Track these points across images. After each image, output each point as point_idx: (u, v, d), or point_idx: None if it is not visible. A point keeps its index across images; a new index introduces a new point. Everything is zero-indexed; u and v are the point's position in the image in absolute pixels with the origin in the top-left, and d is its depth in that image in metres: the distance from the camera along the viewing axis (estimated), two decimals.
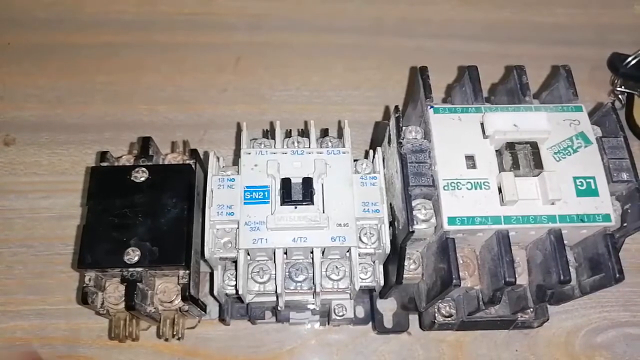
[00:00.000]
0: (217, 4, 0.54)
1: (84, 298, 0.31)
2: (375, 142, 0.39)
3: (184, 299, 0.32)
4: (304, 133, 0.36)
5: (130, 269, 0.31)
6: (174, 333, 0.34)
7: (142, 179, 0.32)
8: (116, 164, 0.35)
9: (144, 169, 0.33)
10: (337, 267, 0.32)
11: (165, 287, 0.33)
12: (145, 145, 0.35)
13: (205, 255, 0.31)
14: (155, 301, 0.33)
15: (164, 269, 0.32)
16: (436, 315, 0.35)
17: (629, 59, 0.48)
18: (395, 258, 0.32)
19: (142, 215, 0.31)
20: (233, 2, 0.54)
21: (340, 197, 0.32)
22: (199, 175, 0.35)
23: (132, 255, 0.30)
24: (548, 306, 0.37)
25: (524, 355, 0.40)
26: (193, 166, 0.34)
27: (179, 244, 0.31)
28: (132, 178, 0.32)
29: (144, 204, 0.32)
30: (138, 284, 0.31)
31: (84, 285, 0.31)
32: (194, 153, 0.35)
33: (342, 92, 0.49)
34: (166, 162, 0.35)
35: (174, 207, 0.32)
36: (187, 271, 0.32)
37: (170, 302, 0.32)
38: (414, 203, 0.30)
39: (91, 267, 0.31)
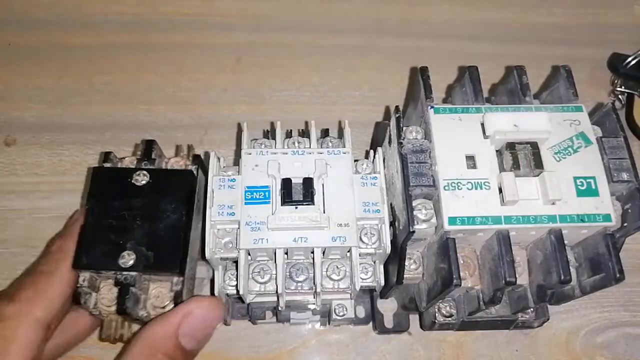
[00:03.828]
0: (217, 4, 0.54)
1: (76, 298, 0.31)
2: (376, 142, 0.39)
3: (176, 305, 0.32)
4: (305, 133, 0.36)
5: (125, 273, 0.31)
6: None
7: (143, 182, 0.32)
8: (119, 165, 0.34)
9: (145, 172, 0.32)
10: (337, 267, 0.32)
11: (159, 292, 0.32)
12: (148, 148, 0.35)
13: (206, 256, 0.31)
14: (148, 306, 0.32)
15: (158, 275, 0.32)
16: (437, 315, 0.35)
17: (629, 59, 0.48)
18: (395, 258, 0.32)
19: (141, 219, 0.31)
20: (233, 3, 0.54)
21: (341, 197, 0.32)
22: (201, 180, 0.35)
23: (127, 259, 0.30)
24: (548, 306, 0.37)
25: (525, 355, 0.40)
26: (195, 172, 0.34)
27: (175, 250, 0.31)
28: (132, 181, 0.32)
29: (143, 207, 0.32)
30: (131, 287, 0.31)
31: (78, 285, 0.31)
32: (196, 159, 0.35)
33: (343, 93, 0.49)
34: (169, 167, 0.35)
35: (173, 212, 0.32)
36: (181, 278, 0.31)
37: (163, 307, 0.32)
38: (414, 203, 0.30)
39: (86, 268, 0.31)
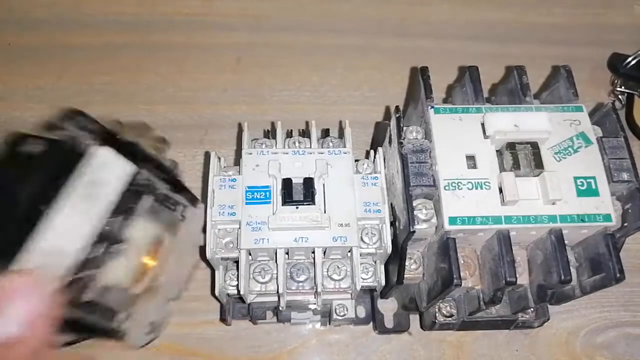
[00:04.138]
0: (217, 4, 0.54)
1: None
2: (376, 142, 0.39)
3: None
4: (305, 133, 0.36)
5: None
6: None
7: (30, 150, 0.26)
8: None
9: (34, 139, 0.26)
10: (338, 267, 0.33)
11: None
12: (63, 117, 0.28)
13: (207, 256, 0.31)
14: None
15: None
16: (437, 315, 0.35)
17: (629, 59, 0.48)
18: (396, 258, 0.32)
19: (6, 196, 0.25)
20: (233, 3, 0.54)
21: (342, 197, 0.32)
22: (109, 161, 0.27)
23: None
24: (548, 306, 0.37)
25: (525, 355, 0.40)
26: (70, 144, 0.27)
27: (13, 234, 0.24)
28: (22, 149, 0.26)
29: (14, 179, 0.25)
30: None
31: None
32: (104, 136, 0.27)
33: (343, 93, 0.49)
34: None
35: (33, 191, 0.25)
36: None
37: None
38: (414, 203, 0.31)
39: None
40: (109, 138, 0.27)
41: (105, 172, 0.26)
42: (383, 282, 0.34)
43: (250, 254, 0.32)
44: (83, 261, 0.25)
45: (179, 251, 0.30)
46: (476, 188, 0.30)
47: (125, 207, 0.27)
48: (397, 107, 0.33)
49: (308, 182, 0.32)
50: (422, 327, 0.40)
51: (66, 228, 0.25)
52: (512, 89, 0.34)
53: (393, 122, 0.33)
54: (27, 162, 0.26)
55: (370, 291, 0.39)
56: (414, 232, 0.30)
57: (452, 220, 0.29)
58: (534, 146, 0.30)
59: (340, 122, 0.44)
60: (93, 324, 0.27)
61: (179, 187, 0.30)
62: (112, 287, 0.27)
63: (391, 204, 0.33)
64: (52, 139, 0.27)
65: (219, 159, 0.34)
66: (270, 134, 0.36)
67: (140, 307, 0.29)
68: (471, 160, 0.31)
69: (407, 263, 0.33)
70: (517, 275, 0.29)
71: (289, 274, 0.32)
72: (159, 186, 0.29)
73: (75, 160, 0.26)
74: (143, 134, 0.30)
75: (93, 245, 0.25)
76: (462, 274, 0.30)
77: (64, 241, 0.25)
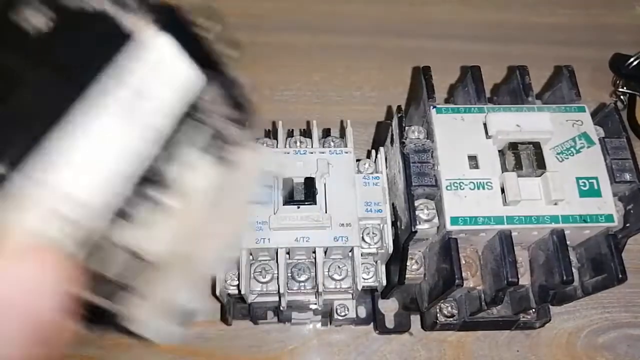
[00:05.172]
0: (217, 4, 0.53)
1: None
2: (378, 142, 0.39)
3: None
4: (306, 133, 0.36)
5: None
6: None
7: (34, 26, 0.16)
8: None
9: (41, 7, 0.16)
10: (339, 267, 0.32)
11: None
12: None
13: None
14: None
15: None
16: (438, 315, 0.35)
17: (631, 59, 0.47)
18: (397, 258, 0.32)
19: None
20: (234, 3, 0.54)
21: (343, 197, 0.32)
22: (170, 61, 0.18)
23: None
24: (550, 307, 0.37)
25: (526, 355, 0.40)
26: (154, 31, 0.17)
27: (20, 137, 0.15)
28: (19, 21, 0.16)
29: (18, 67, 0.16)
30: None
31: None
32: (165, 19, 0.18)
33: (344, 93, 0.49)
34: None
35: (53, 89, 0.16)
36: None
37: None
38: (416, 203, 0.30)
39: None
40: (173, 23, 0.18)
41: (161, 77, 0.17)
42: (384, 282, 0.34)
43: (251, 254, 0.32)
44: (118, 211, 0.16)
45: (224, 206, 0.21)
46: (478, 188, 0.30)
47: (176, 138, 0.18)
48: (399, 107, 0.33)
49: (309, 182, 0.32)
50: (423, 327, 0.40)
51: (95, 153, 0.16)
52: (515, 89, 0.34)
53: (395, 122, 0.33)
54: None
55: (371, 291, 0.38)
56: (415, 232, 0.30)
57: (454, 221, 0.29)
58: (536, 146, 0.30)
59: (342, 122, 0.44)
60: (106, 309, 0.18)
61: (244, 112, 0.21)
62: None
63: (393, 204, 0.33)
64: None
65: None
66: (272, 133, 0.36)
67: (164, 281, 0.20)
68: (473, 161, 0.31)
69: (408, 263, 0.33)
70: (519, 276, 0.29)
71: (289, 274, 0.32)
72: (221, 112, 0.20)
73: (114, 45, 0.16)
74: (211, 29, 0.19)
75: (132, 187, 0.16)
76: (463, 274, 0.30)
77: (88, 176, 0.16)
